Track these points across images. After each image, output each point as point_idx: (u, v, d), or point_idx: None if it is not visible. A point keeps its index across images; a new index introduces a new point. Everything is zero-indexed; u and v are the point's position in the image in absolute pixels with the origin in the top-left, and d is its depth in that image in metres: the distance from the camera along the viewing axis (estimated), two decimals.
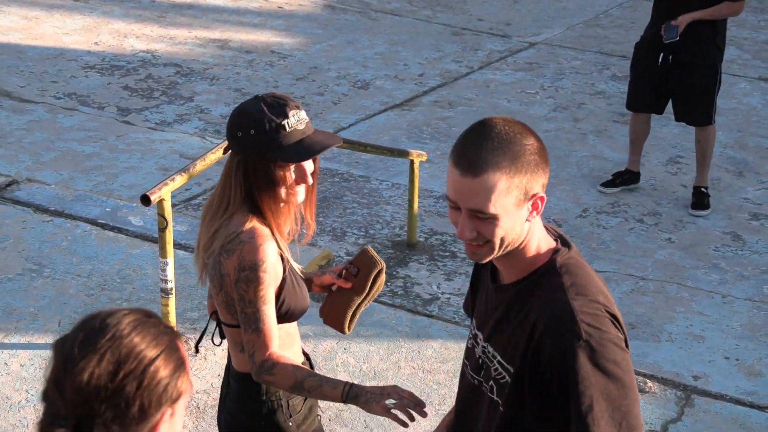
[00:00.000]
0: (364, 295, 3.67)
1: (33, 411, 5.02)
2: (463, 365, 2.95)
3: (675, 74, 7.33)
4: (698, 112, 7.44)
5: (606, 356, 2.59)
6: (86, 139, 7.98)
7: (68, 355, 2.13)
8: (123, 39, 9.82)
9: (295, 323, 3.63)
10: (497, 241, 2.59)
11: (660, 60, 7.32)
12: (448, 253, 6.80)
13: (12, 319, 5.63)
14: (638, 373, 5.54)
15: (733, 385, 5.62)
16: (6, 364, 5.32)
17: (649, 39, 7.43)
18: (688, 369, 5.75)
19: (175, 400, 2.16)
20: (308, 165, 3.45)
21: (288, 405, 3.66)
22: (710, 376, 5.69)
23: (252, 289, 3.34)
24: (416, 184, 6.71)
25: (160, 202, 5.46)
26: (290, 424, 3.68)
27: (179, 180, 5.56)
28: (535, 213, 2.65)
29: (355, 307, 3.68)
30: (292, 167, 3.39)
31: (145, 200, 5.40)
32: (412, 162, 6.66)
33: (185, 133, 8.21)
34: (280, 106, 3.35)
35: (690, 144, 7.78)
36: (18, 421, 4.98)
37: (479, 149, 2.55)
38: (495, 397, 2.74)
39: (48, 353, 5.32)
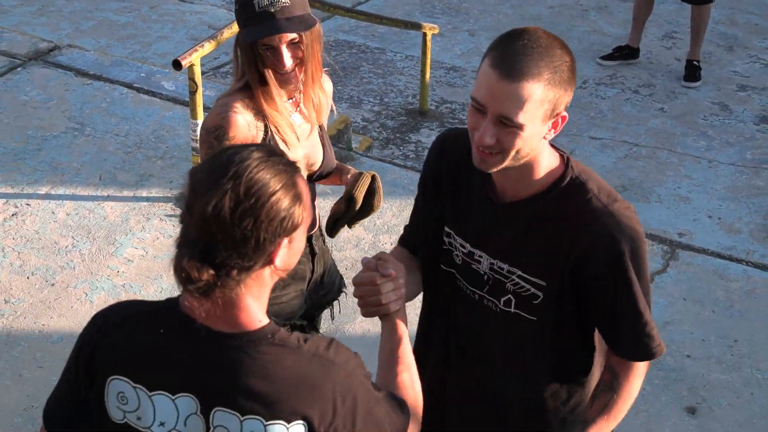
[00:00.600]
0: (348, 213, 3.46)
1: (78, 255, 5.15)
2: (455, 289, 2.79)
3: None
4: None
5: (643, 255, 2.57)
6: (121, 10, 8.01)
7: (198, 185, 2.19)
8: None
9: None
10: (512, 153, 2.45)
11: None
12: (456, 120, 6.91)
13: (57, 173, 5.72)
14: None
15: (715, 241, 5.77)
16: (53, 212, 5.43)
17: None
18: (674, 226, 5.89)
19: (291, 231, 2.20)
20: (287, 51, 3.25)
21: None
22: (694, 233, 5.84)
23: (203, 150, 3.31)
24: (428, 56, 6.78)
25: (191, 67, 5.51)
26: None
27: (208, 47, 5.59)
28: (553, 131, 2.50)
29: (336, 219, 3.49)
30: (268, 50, 3.22)
31: (177, 65, 5.44)
32: (424, 35, 6.71)
33: (213, 5, 8.23)
34: None
35: (685, 20, 7.81)
36: (65, 263, 5.10)
37: (523, 56, 2.37)
38: (514, 310, 2.65)
39: (90, 204, 5.51)
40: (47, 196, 5.56)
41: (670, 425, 4.52)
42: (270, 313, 3.47)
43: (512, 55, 2.37)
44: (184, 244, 2.19)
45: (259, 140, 3.29)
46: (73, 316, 4.79)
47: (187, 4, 8.23)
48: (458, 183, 2.71)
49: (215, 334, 2.24)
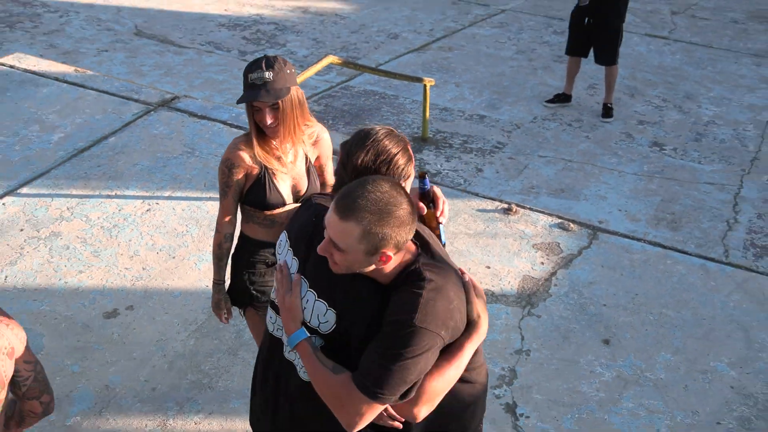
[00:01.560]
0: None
1: (190, 237, 5.19)
2: None
3: (594, 32, 7.39)
4: (608, 56, 7.47)
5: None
6: (219, 71, 8.08)
7: (349, 148, 2.44)
8: (242, 7, 9.82)
9: (279, 211, 3.30)
10: (343, 267, 2.24)
11: (585, 22, 7.39)
12: (447, 145, 6.92)
13: (176, 182, 5.77)
14: (565, 219, 5.76)
15: (623, 226, 5.79)
16: (173, 209, 5.47)
17: (578, 8, 7.41)
18: (596, 217, 5.90)
19: (406, 178, 2.47)
20: (269, 112, 3.10)
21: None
22: (609, 221, 5.85)
23: (219, 178, 3.25)
24: (428, 100, 6.80)
25: None
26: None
27: None
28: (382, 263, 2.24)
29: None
30: (257, 110, 3.11)
31: None
32: (425, 86, 6.74)
33: None
34: (252, 64, 3.09)
35: (602, 76, 7.79)
36: (182, 243, 5.15)
37: (354, 200, 2.15)
38: None
39: (198, 203, 5.50)
40: (170, 198, 5.60)
41: (593, 352, 4.55)
42: (259, 293, 3.54)
43: (348, 198, 2.16)
44: (340, 184, 2.42)
45: (256, 171, 3.22)
46: (187, 279, 4.85)
47: None
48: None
49: None
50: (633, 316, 4.84)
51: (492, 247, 5.38)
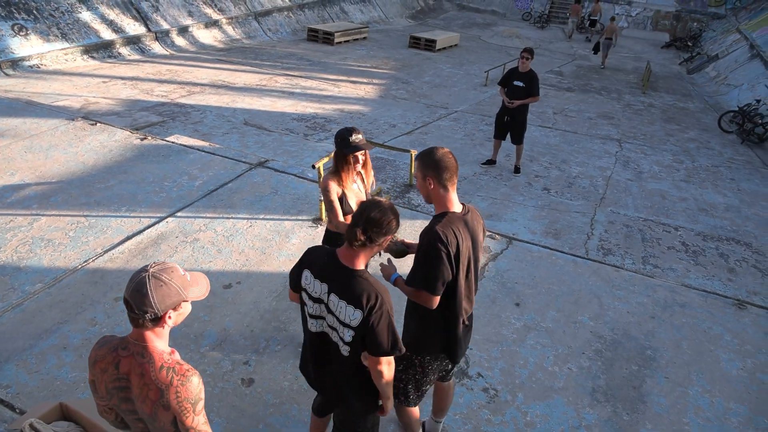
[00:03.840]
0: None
1: (274, 242, 5.07)
2: None
3: (511, 124, 7.32)
4: (518, 138, 7.37)
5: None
6: (292, 145, 8.01)
7: (365, 208, 2.21)
8: (306, 108, 9.80)
9: (349, 217, 3.19)
10: (422, 192, 2.43)
11: (504, 119, 7.34)
12: None
13: (267, 210, 5.68)
14: (493, 232, 5.64)
15: (527, 236, 5.72)
16: (265, 225, 5.38)
17: (501, 110, 7.32)
18: (511, 231, 5.83)
19: (393, 233, 2.25)
20: (360, 157, 3.12)
21: None
22: (518, 233, 5.78)
23: (324, 195, 3.20)
24: (413, 162, 6.71)
25: (318, 168, 5.52)
26: None
27: (326, 158, 5.52)
28: (430, 185, 2.39)
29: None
30: (350, 156, 3.11)
31: (313, 167, 5.46)
32: (411, 154, 6.72)
33: (328, 143, 8.19)
34: (349, 131, 3.12)
35: (513, 150, 7.75)
36: (269, 245, 5.03)
37: (420, 155, 2.33)
38: None
39: (279, 221, 5.42)
40: (263, 219, 5.52)
41: (509, 310, 4.48)
42: None
43: (418, 154, 2.35)
44: (354, 226, 2.20)
45: (339, 194, 3.18)
46: (272, 266, 4.77)
47: (318, 143, 8.19)
48: None
49: (346, 267, 2.23)
50: (533, 289, 4.76)
51: None
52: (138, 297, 1.78)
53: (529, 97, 7.01)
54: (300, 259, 2.35)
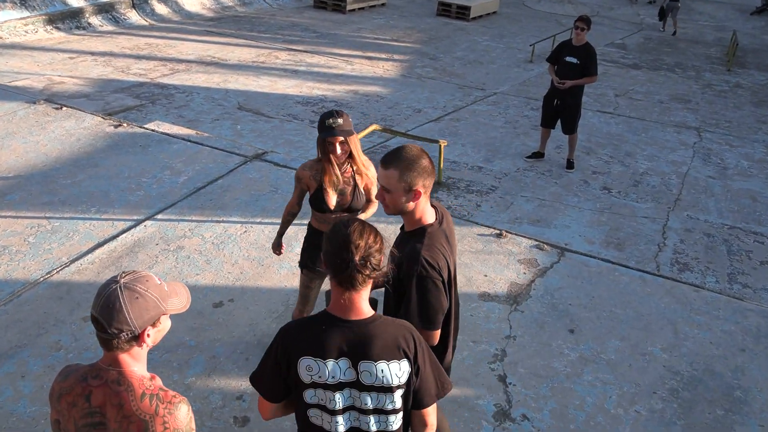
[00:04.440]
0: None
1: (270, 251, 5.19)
2: None
3: (562, 109, 7.29)
4: (570, 127, 7.33)
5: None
6: (296, 134, 8.06)
7: (348, 238, 1.96)
8: (312, 90, 9.85)
9: (327, 215, 3.38)
10: (390, 205, 2.37)
11: (554, 103, 7.30)
12: (455, 187, 6.83)
13: (265, 212, 5.72)
14: (541, 241, 5.64)
15: (582, 247, 5.67)
16: (263, 231, 5.42)
17: (549, 92, 7.30)
18: (562, 240, 5.79)
19: (381, 270, 1.99)
20: (339, 145, 3.20)
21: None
22: (572, 243, 5.74)
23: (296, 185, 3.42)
24: (442, 155, 6.77)
25: None
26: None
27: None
28: (416, 199, 2.35)
29: None
30: (330, 144, 3.22)
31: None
32: (440, 145, 6.72)
33: None
34: (328, 114, 3.22)
35: (565, 140, 7.69)
36: (267, 255, 5.09)
37: (392, 157, 2.33)
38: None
39: (273, 230, 5.42)
40: (260, 223, 5.55)
41: (561, 338, 4.43)
42: (311, 262, 3.53)
43: (389, 156, 2.30)
44: (346, 265, 1.95)
45: (313, 183, 3.32)
46: (272, 281, 4.79)
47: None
48: None
49: (360, 321, 2.01)
50: (591, 312, 4.71)
51: (488, 261, 5.28)
52: (110, 313, 1.77)
53: (585, 76, 6.97)
54: (280, 349, 2.02)
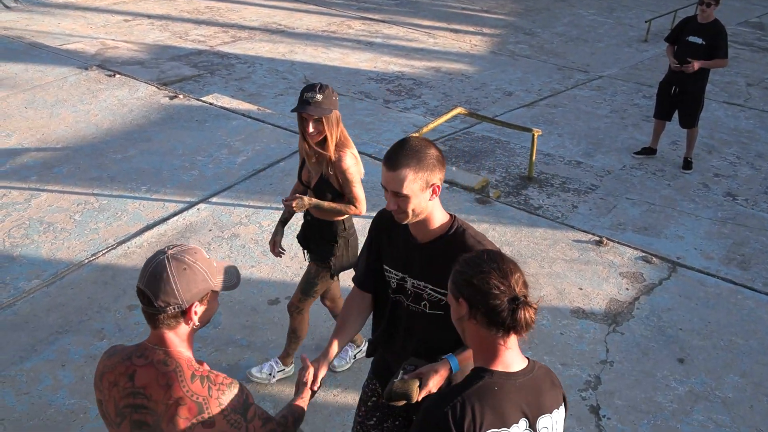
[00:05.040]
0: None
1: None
2: (396, 301, 2.54)
3: (681, 99, 7.07)
4: (689, 120, 7.12)
5: None
6: (367, 114, 8.13)
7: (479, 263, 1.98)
8: (388, 65, 9.90)
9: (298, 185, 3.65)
10: (410, 212, 2.30)
11: (672, 91, 7.08)
12: (548, 184, 6.74)
13: None
14: (648, 253, 5.49)
15: (698, 263, 5.49)
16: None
17: (667, 78, 7.11)
18: (674, 253, 5.62)
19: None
20: (312, 124, 3.24)
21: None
22: (686, 257, 5.56)
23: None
24: (534, 146, 6.68)
25: None
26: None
27: (415, 134, 5.58)
28: (435, 196, 2.34)
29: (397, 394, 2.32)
30: (303, 120, 3.25)
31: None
32: (533, 135, 6.63)
33: (416, 114, 8.26)
34: (309, 86, 3.23)
35: (683, 135, 7.45)
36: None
37: (398, 155, 2.26)
38: (430, 311, 2.44)
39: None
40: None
41: (668, 368, 4.30)
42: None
43: (392, 155, 2.26)
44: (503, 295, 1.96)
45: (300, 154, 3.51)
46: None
47: (402, 113, 8.27)
48: (391, 235, 2.50)
49: (522, 372, 1.97)
50: (706, 340, 4.55)
51: (584, 272, 5.17)
52: (156, 285, 1.85)
53: (712, 59, 6.74)
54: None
